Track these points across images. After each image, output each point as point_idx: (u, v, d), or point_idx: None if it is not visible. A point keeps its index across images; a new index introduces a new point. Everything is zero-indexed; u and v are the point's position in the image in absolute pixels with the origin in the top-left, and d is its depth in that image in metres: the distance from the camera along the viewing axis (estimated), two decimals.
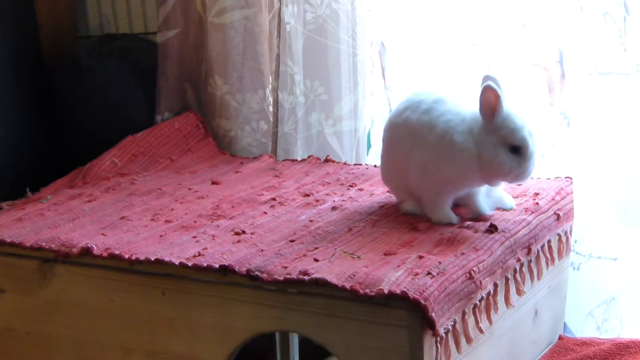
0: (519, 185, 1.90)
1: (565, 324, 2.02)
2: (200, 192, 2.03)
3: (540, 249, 1.80)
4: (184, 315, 1.61)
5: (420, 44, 2.28)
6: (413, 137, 1.75)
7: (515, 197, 1.88)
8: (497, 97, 1.65)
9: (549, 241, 1.84)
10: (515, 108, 1.69)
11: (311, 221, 1.79)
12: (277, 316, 1.53)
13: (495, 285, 1.63)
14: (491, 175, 1.70)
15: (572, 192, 1.95)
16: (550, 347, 1.93)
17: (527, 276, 1.76)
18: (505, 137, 1.67)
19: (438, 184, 1.73)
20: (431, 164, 1.72)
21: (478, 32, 2.20)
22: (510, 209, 1.81)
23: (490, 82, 1.66)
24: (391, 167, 1.83)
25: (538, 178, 1.99)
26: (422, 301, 1.41)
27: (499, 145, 1.67)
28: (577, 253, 2.08)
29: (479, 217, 1.77)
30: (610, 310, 2.07)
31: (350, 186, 2.04)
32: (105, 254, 1.66)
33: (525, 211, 1.80)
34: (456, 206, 1.78)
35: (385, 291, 1.42)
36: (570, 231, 1.94)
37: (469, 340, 1.55)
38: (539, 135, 1.77)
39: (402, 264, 1.52)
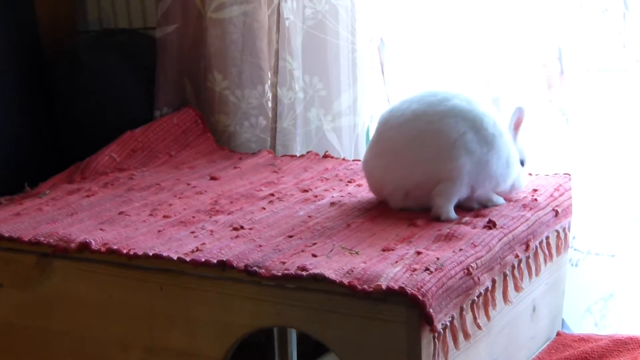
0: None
1: (563, 320, 2.02)
2: (199, 187, 2.03)
3: (538, 245, 1.80)
4: (182, 310, 1.61)
5: (419, 40, 2.28)
6: (463, 123, 1.73)
7: None
8: (523, 119, 1.81)
9: (547, 237, 1.83)
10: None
11: (310, 217, 1.79)
12: (275, 312, 1.52)
13: (494, 281, 1.63)
14: (510, 185, 1.81)
15: (570, 189, 1.95)
16: (548, 343, 1.93)
17: (525, 272, 1.76)
18: (521, 153, 1.83)
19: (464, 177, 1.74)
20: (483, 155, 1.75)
21: (477, 28, 2.20)
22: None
23: (522, 106, 1.82)
24: (399, 164, 1.77)
25: (537, 174, 1.99)
26: (420, 297, 1.41)
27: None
28: (575, 249, 2.08)
29: (494, 206, 1.80)
30: (609, 306, 2.07)
31: (349, 182, 2.03)
32: (103, 249, 1.66)
33: (524, 207, 1.80)
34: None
35: (383, 287, 1.42)
36: (569, 227, 1.94)
37: (466, 336, 1.55)
38: None
39: (400, 260, 1.52)
